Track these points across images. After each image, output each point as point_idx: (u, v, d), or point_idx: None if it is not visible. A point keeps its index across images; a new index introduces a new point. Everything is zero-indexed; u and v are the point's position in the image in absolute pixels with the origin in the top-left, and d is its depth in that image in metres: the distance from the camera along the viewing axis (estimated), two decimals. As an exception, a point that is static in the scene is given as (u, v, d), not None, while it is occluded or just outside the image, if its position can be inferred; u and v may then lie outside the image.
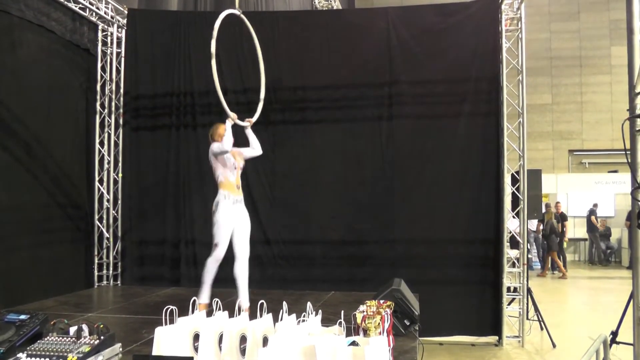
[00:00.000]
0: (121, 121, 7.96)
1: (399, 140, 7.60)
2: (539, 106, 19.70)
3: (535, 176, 8.81)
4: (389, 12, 7.83)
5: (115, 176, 7.95)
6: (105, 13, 7.60)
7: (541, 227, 16.14)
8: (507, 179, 7.48)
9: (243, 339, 3.32)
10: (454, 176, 7.44)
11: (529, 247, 13.81)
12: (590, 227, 17.56)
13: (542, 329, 7.97)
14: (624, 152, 3.98)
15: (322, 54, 7.81)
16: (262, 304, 3.51)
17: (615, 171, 17.69)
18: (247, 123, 5.76)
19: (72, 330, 3.25)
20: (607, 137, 18.98)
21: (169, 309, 3.38)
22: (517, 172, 7.58)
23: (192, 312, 3.64)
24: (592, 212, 17.53)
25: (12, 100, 6.36)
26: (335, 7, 15.91)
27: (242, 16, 5.98)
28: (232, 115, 5.50)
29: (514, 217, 7.58)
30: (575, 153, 20.38)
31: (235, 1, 6.00)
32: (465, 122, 7.46)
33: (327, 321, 3.63)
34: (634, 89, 3.95)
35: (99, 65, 7.87)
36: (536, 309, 8.01)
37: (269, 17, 8.24)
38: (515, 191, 7.59)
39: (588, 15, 20.42)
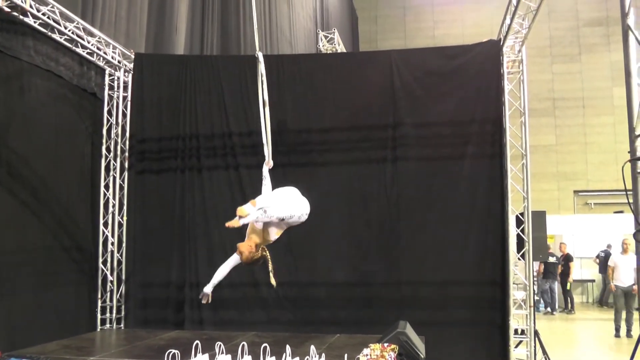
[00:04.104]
0: (126, 164, 8.01)
1: (403, 182, 7.62)
2: (543, 147, 19.76)
3: (539, 217, 8.78)
4: (392, 55, 7.92)
5: (120, 219, 7.95)
6: (112, 57, 7.71)
7: (542, 269, 16.04)
8: (512, 221, 7.46)
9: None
10: (459, 218, 7.42)
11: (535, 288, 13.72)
12: (606, 268, 17.06)
13: (550, 372, 7.85)
14: (628, 193, 3.98)
15: (327, 96, 7.88)
16: (265, 347, 3.49)
17: (621, 212, 17.58)
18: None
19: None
20: (612, 178, 18.94)
21: (172, 353, 3.35)
22: (522, 214, 7.56)
23: (195, 355, 3.61)
24: (608, 254, 16.98)
25: (19, 145, 6.42)
26: (339, 50, 16.16)
27: (261, 60, 5.93)
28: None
29: (519, 258, 7.53)
30: (580, 194, 20.35)
31: (255, 45, 6.01)
32: (469, 164, 7.48)
33: (331, 365, 3.59)
34: (634, 131, 3.98)
35: (106, 109, 7.94)
36: (544, 352, 7.90)
37: (274, 60, 8.33)
38: (520, 233, 7.56)
39: (589, 56, 20.68)
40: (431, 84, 7.69)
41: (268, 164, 5.45)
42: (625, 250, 12.69)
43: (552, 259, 15.61)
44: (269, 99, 7.39)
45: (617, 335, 12.14)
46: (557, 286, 16.17)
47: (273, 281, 4.95)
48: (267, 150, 5.60)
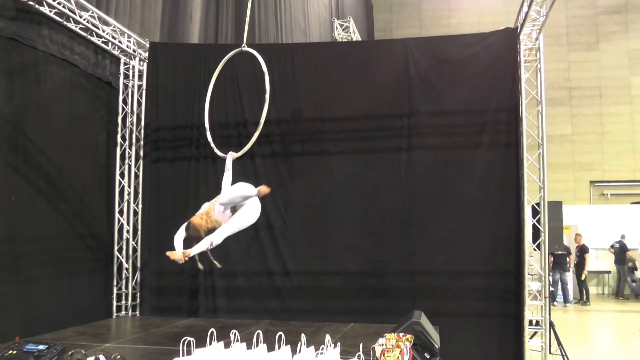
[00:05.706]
0: (141, 153, 8.03)
1: (418, 171, 7.57)
2: (559, 137, 19.60)
3: (556, 208, 8.71)
4: (408, 43, 7.85)
5: (135, 207, 7.99)
6: (127, 46, 7.72)
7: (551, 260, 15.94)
8: (528, 211, 7.39)
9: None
10: (474, 207, 7.37)
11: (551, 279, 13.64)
12: (621, 259, 16.99)
13: (565, 363, 7.82)
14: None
15: (342, 85, 7.84)
16: (280, 336, 3.49)
17: (639, 202, 17.41)
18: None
19: (90, 361, 3.24)
20: (629, 168, 18.78)
21: (187, 340, 3.36)
22: (538, 204, 7.49)
23: (210, 343, 3.62)
24: (622, 245, 16.90)
25: (35, 133, 6.47)
26: (355, 39, 16.09)
27: (253, 51, 5.98)
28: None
29: (535, 249, 7.47)
30: (596, 184, 20.17)
31: (243, 38, 6.04)
32: (484, 153, 7.42)
33: (345, 354, 3.59)
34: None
35: (121, 97, 7.96)
36: (559, 343, 7.86)
37: (289, 49, 8.31)
38: (536, 223, 7.49)
39: (607, 44, 20.42)
40: (447, 72, 7.61)
41: (234, 155, 5.45)
42: None
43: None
44: (284, 87, 7.40)
45: None
46: (568, 277, 16.02)
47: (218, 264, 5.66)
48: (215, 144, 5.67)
